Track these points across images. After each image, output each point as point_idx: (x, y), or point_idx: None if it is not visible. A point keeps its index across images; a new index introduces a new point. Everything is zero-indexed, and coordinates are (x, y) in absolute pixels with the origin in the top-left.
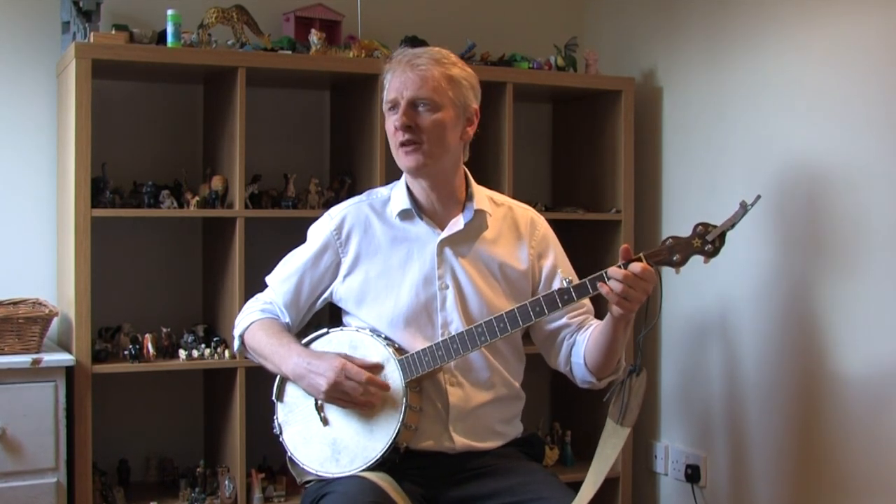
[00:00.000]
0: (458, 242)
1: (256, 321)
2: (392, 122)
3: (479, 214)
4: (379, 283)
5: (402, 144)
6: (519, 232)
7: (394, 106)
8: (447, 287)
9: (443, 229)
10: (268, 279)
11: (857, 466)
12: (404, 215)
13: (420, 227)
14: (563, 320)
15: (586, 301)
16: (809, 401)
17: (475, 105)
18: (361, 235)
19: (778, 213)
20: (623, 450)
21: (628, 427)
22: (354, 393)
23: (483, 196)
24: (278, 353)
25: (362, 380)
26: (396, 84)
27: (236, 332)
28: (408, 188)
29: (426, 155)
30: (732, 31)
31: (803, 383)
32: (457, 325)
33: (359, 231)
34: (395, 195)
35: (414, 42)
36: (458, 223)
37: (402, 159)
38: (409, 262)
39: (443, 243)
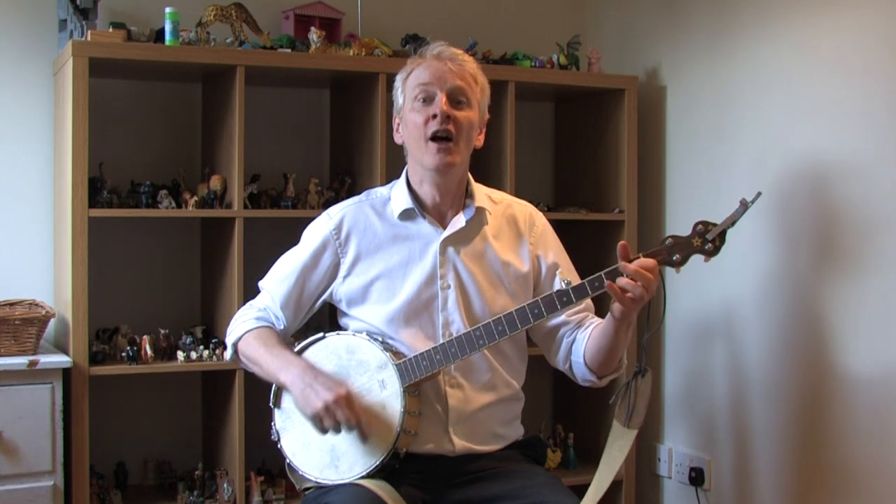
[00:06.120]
0: (460, 241)
1: (252, 330)
2: (424, 112)
3: (480, 212)
4: (380, 283)
5: (437, 139)
6: (518, 228)
7: (427, 96)
8: (449, 286)
9: (444, 228)
10: (262, 283)
11: (863, 469)
12: (406, 215)
13: (422, 226)
14: (563, 318)
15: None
16: (815, 403)
17: (487, 113)
18: (361, 235)
19: (783, 211)
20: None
21: (635, 429)
22: (345, 423)
23: (482, 194)
24: (275, 364)
25: (359, 419)
26: (431, 72)
27: (230, 341)
28: (409, 187)
29: (457, 154)
30: (736, 29)
31: (809, 385)
32: (458, 326)
33: (358, 231)
34: (396, 194)
35: (415, 41)
36: (459, 221)
37: (433, 156)
38: (410, 261)
39: (445, 242)
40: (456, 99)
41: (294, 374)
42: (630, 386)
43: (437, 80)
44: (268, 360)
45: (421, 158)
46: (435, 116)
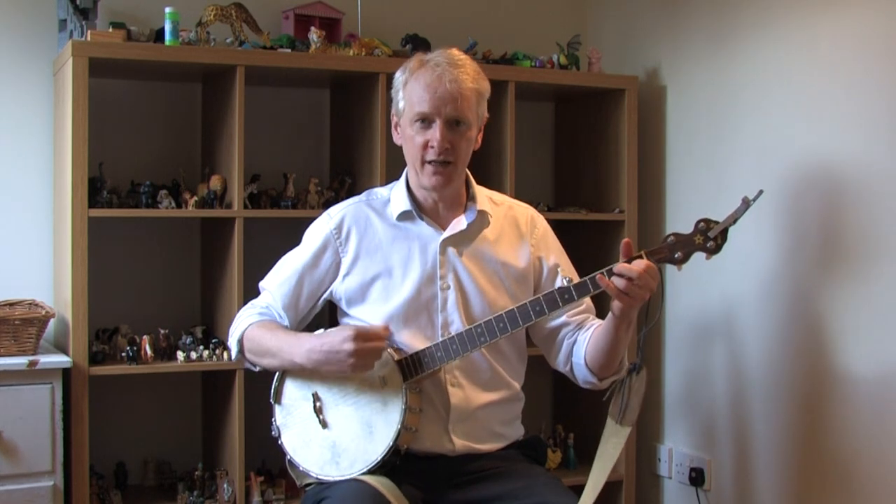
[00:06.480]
0: (460, 242)
1: (254, 323)
2: (422, 135)
3: (482, 215)
4: (379, 282)
5: (434, 163)
6: (520, 230)
7: (424, 119)
8: (448, 287)
9: (445, 229)
10: (263, 284)
11: (863, 470)
12: (405, 216)
13: (422, 227)
14: (563, 319)
15: (587, 300)
16: (816, 403)
17: (486, 114)
18: (361, 235)
19: (783, 211)
20: (626, 453)
21: (628, 426)
22: (379, 351)
23: (483, 196)
24: (285, 347)
25: (381, 334)
26: (428, 97)
27: (233, 338)
28: (408, 189)
29: (454, 175)
30: (737, 29)
31: (809, 385)
32: (457, 326)
33: (358, 230)
34: (395, 196)
35: (416, 41)
36: (460, 223)
37: (429, 178)
38: (410, 261)
39: (445, 243)
40: (454, 121)
41: (303, 351)
42: (625, 383)
43: (434, 108)
44: (277, 348)
45: (418, 175)
46: (433, 147)
